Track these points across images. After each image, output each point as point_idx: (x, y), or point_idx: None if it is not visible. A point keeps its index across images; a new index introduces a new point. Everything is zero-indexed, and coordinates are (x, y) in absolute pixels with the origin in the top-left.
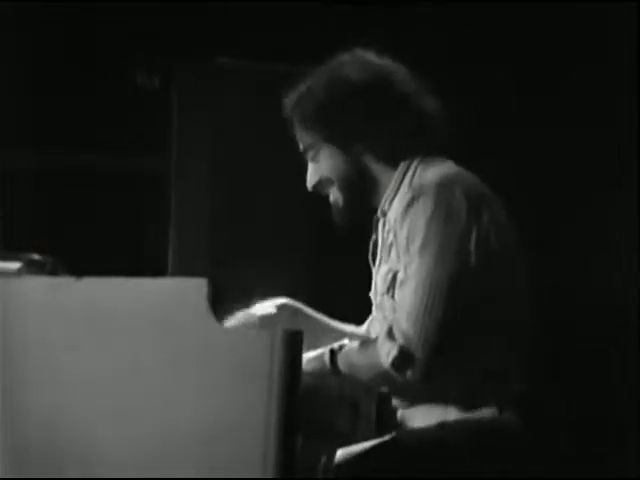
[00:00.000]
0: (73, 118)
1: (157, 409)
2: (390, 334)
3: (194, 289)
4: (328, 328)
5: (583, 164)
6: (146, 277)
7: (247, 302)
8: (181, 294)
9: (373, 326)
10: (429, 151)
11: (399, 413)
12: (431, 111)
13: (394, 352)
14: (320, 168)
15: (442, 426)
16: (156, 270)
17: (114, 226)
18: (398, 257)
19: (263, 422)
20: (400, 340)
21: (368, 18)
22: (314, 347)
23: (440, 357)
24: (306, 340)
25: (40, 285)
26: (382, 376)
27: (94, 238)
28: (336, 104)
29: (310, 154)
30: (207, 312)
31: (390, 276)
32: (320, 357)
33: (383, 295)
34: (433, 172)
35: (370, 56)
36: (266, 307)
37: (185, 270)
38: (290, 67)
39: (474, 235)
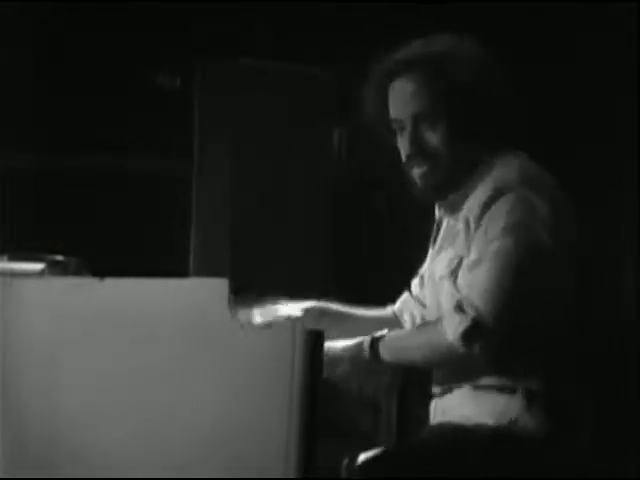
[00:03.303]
0: (93, 119)
1: (177, 409)
2: (460, 308)
3: (215, 289)
4: (359, 319)
5: (583, 164)
6: (168, 277)
7: (272, 298)
8: (202, 294)
9: (407, 306)
10: (508, 147)
11: (433, 402)
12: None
13: (466, 323)
14: (429, 139)
15: (463, 428)
16: (177, 270)
17: (135, 226)
18: (467, 243)
19: (284, 422)
20: (472, 313)
21: (389, 20)
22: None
23: (509, 335)
24: (340, 336)
25: (63, 286)
26: (440, 355)
27: (116, 239)
28: (482, 90)
29: (426, 121)
30: (228, 312)
31: (456, 261)
32: (358, 345)
33: (442, 279)
34: (514, 170)
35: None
36: (292, 309)
37: (206, 270)
38: (312, 68)
39: (553, 228)
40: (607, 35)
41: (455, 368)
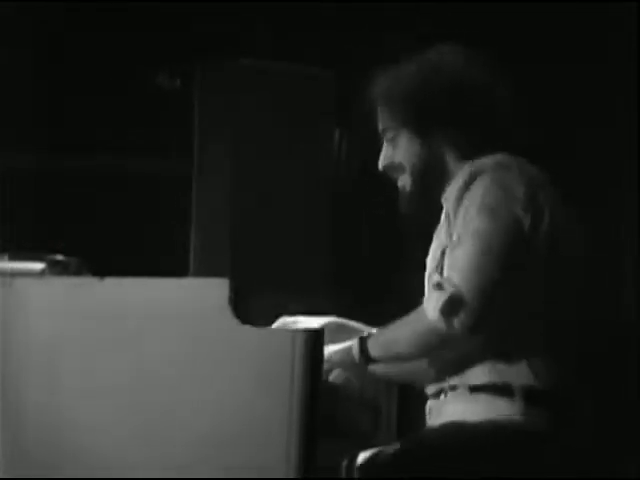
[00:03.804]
0: (93, 119)
1: (177, 409)
2: (439, 286)
3: (215, 289)
4: None
5: (583, 164)
6: (168, 277)
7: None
8: (202, 294)
9: None
10: (497, 149)
11: (428, 404)
12: (511, 115)
13: (443, 297)
14: (396, 152)
15: (464, 426)
16: (177, 270)
17: (135, 226)
18: (448, 233)
19: (285, 422)
20: (450, 289)
21: (387, 20)
22: None
23: (488, 309)
24: None
25: (63, 285)
26: (424, 338)
27: (116, 238)
28: (428, 93)
29: (388, 135)
30: (228, 312)
31: (439, 252)
32: (347, 348)
33: (432, 274)
34: (493, 156)
35: (463, 55)
36: (311, 322)
37: (206, 270)
38: (312, 68)
39: (530, 208)
40: (607, 35)
41: (444, 358)
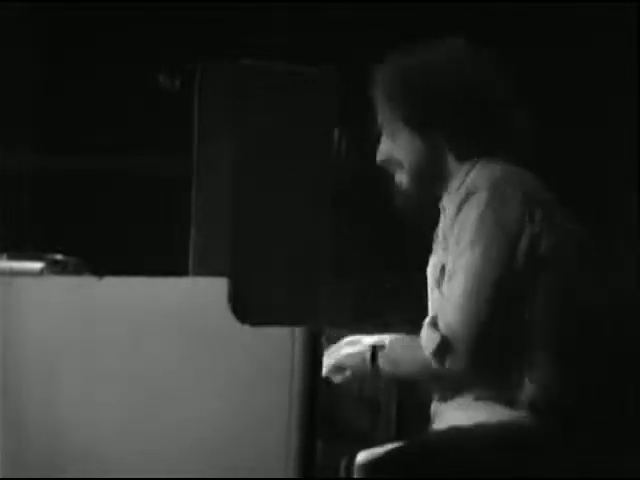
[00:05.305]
0: (93, 119)
1: (176, 409)
2: (433, 324)
3: (215, 289)
4: None
5: (583, 165)
6: (167, 277)
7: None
8: (202, 294)
9: None
10: (498, 152)
11: (432, 407)
12: (515, 119)
13: (436, 341)
14: (394, 148)
15: (463, 428)
16: (177, 270)
17: (135, 226)
18: (446, 250)
19: (284, 422)
20: (443, 330)
21: (390, 19)
22: None
23: (481, 349)
24: None
25: (63, 285)
26: (425, 369)
27: (116, 238)
28: (430, 91)
29: (388, 128)
30: (228, 312)
31: (439, 269)
32: (361, 354)
33: (433, 290)
34: (490, 170)
35: (466, 52)
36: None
37: (206, 270)
38: (312, 68)
39: (525, 235)
40: (607, 35)
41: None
